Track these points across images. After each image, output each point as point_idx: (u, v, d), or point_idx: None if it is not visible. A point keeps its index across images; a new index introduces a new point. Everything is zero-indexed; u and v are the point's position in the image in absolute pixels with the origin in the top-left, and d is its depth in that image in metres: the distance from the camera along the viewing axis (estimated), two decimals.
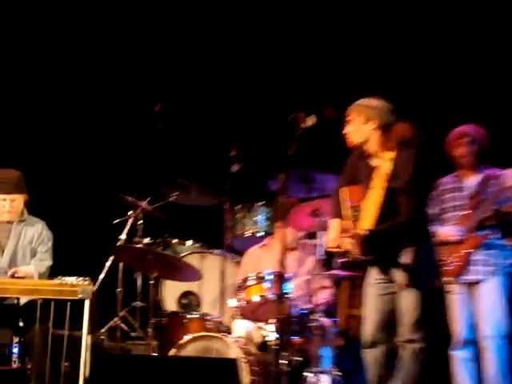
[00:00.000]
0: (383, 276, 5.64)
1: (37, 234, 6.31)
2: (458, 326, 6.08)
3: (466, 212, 6.09)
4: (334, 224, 5.72)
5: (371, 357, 5.65)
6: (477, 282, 6.04)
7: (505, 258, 6.06)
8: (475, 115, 6.79)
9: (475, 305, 6.06)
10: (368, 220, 5.49)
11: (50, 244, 6.33)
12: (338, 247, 5.62)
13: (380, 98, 5.64)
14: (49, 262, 6.29)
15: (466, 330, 6.06)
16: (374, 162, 5.64)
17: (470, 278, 6.05)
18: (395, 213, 5.47)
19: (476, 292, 6.05)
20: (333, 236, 5.67)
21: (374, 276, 5.69)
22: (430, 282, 5.70)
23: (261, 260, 7.10)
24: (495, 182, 6.11)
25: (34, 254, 6.30)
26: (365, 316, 5.72)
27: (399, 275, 5.54)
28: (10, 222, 6.28)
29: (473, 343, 6.04)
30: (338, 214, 5.71)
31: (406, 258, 5.50)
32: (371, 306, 5.69)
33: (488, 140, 6.19)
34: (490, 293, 6.01)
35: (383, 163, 5.58)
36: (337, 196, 5.75)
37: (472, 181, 6.18)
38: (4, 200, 6.19)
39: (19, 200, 6.24)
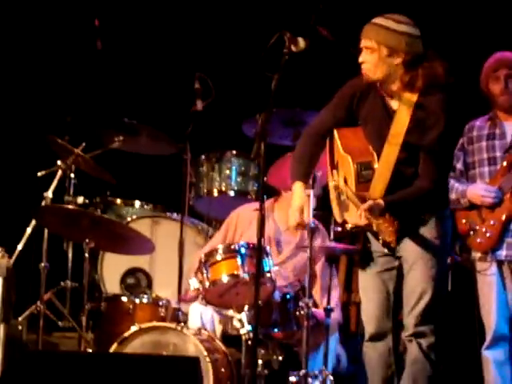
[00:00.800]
0: (384, 248, 5.54)
1: None
2: (493, 318, 6.01)
3: (504, 166, 6.05)
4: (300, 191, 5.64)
5: (373, 353, 5.63)
6: None
7: None
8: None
9: None
10: (381, 184, 5.44)
11: None
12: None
13: (405, 16, 5.46)
14: None
15: (500, 322, 6.01)
16: (393, 104, 5.49)
17: (506, 253, 5.98)
18: (415, 174, 5.45)
19: None
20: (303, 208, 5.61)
21: (372, 248, 5.63)
22: (446, 258, 5.68)
23: (251, 227, 6.88)
24: None
25: None
26: (363, 300, 5.74)
27: (409, 249, 5.49)
28: None
29: (507, 340, 6.04)
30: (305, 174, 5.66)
31: (423, 228, 5.51)
32: (370, 286, 5.65)
33: None
34: None
35: (404, 108, 5.46)
36: (311, 140, 5.65)
37: None
38: None
39: None
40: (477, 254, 6.03)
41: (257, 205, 6.84)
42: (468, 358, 6.27)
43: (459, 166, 6.19)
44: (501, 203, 5.99)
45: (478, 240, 6.00)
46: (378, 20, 5.45)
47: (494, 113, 6.14)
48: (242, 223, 7.02)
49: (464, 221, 6.07)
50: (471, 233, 6.05)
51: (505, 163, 6.04)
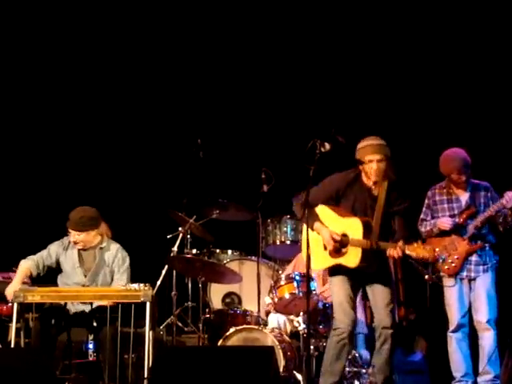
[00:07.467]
0: None
1: (112, 256, 6.28)
2: (454, 314, 6.05)
3: (461, 218, 6.04)
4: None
5: None
6: (472, 278, 6.03)
7: (494, 255, 6.04)
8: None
9: (471, 296, 6.03)
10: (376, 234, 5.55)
11: (125, 265, 6.28)
12: None
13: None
14: (124, 283, 6.13)
15: (460, 316, 6.03)
16: (375, 192, 5.60)
17: (467, 274, 6.04)
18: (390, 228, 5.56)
19: (472, 286, 6.04)
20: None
21: None
22: None
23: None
24: (485, 193, 6.08)
25: (112, 273, 6.28)
26: None
27: None
28: (93, 248, 6.30)
29: (466, 327, 6.04)
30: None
31: None
32: None
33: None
34: (483, 286, 6.01)
35: (381, 193, 5.56)
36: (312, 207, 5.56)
37: (465, 194, 6.09)
38: (77, 235, 6.22)
39: (89, 234, 6.23)
40: (444, 274, 6.08)
41: None
42: (443, 337, 6.21)
43: (428, 218, 6.16)
44: (463, 245, 5.99)
45: (446, 267, 6.03)
46: (377, 140, 5.54)
47: (448, 184, 6.09)
48: (302, 264, 6.57)
49: (437, 249, 5.92)
50: (440, 260, 6.03)
51: (463, 217, 6.03)
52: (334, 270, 5.66)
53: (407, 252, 5.40)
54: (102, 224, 6.33)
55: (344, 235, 5.57)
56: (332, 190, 5.66)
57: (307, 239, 5.70)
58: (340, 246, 5.57)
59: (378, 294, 5.63)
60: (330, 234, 5.55)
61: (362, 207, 5.59)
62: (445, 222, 6.03)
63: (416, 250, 5.38)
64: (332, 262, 5.61)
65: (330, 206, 5.66)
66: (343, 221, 5.60)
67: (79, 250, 6.29)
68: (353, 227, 5.56)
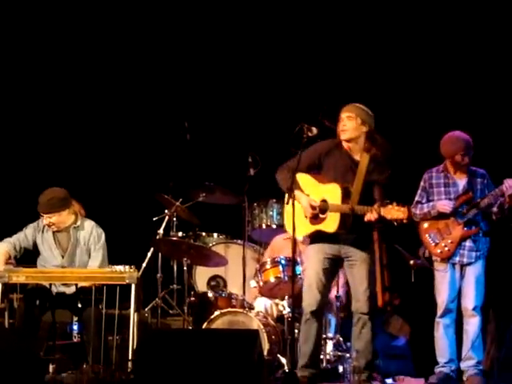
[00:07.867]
0: None
1: (88, 234, 6.26)
2: (444, 298, 6.04)
3: (458, 203, 5.99)
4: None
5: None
6: (464, 264, 6.01)
7: (486, 242, 6.03)
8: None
9: (461, 281, 6.01)
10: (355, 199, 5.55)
11: (101, 242, 6.27)
12: None
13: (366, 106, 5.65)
14: (99, 260, 6.20)
15: (449, 302, 6.01)
16: (356, 158, 5.61)
17: (459, 260, 6.02)
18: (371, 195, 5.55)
19: (463, 272, 6.02)
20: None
21: None
22: None
23: (283, 250, 6.83)
24: (482, 180, 6.05)
25: (88, 251, 6.27)
26: None
27: None
28: (68, 228, 6.27)
29: (453, 312, 6.03)
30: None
31: None
32: None
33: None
34: (474, 273, 5.99)
35: (362, 163, 5.56)
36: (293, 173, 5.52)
37: (463, 178, 6.05)
38: (49, 218, 6.19)
39: (60, 215, 6.18)
40: (436, 258, 6.05)
41: (284, 235, 6.82)
42: (427, 323, 6.22)
43: (424, 201, 6.08)
44: (457, 230, 5.95)
45: (439, 251, 5.99)
46: (355, 104, 5.59)
47: (446, 167, 6.04)
48: (276, 248, 7.00)
49: (427, 235, 6.02)
50: (432, 244, 6.02)
51: (459, 201, 5.98)
52: (314, 238, 5.67)
53: (382, 214, 5.37)
54: (73, 203, 6.30)
55: (324, 201, 5.57)
56: (314, 156, 5.65)
57: (293, 214, 5.55)
58: (320, 212, 5.56)
59: (358, 277, 5.62)
60: (308, 201, 5.57)
61: (343, 172, 5.59)
62: (446, 205, 5.96)
63: (391, 212, 5.34)
64: (312, 228, 5.61)
65: (311, 173, 5.66)
66: (323, 187, 5.61)
67: (54, 232, 6.26)
68: (331, 193, 5.56)
